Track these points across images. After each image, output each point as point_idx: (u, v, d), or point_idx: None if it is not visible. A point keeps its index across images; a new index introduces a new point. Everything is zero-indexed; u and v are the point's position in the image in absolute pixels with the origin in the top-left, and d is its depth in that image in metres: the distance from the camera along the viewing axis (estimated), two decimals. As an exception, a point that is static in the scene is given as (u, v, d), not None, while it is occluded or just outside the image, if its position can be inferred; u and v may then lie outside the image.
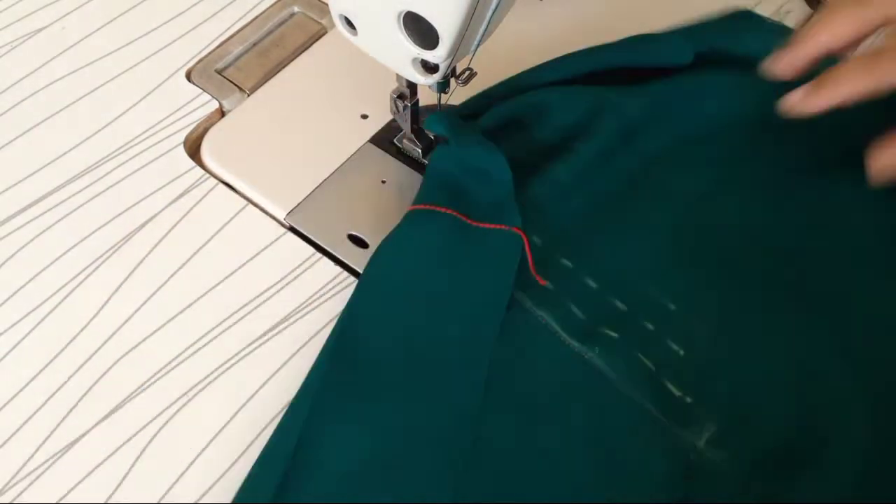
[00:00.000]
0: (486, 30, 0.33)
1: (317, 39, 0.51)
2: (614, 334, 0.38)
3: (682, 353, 0.38)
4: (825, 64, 0.39)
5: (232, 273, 0.41)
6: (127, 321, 0.40)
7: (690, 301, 0.39)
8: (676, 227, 0.42)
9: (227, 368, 0.38)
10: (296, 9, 0.53)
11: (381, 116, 0.46)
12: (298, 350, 0.39)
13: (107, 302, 0.40)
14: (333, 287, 0.41)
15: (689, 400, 0.37)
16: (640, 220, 0.42)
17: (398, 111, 0.42)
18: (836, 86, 0.38)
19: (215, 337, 0.39)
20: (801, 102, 0.39)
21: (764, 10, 0.50)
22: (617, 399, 0.37)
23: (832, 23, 0.38)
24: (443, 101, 0.40)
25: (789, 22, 0.51)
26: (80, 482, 0.36)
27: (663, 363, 0.38)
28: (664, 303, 0.39)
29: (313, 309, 0.40)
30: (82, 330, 0.40)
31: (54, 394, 0.38)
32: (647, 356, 0.38)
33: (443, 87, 0.37)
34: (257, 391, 0.38)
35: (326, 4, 0.52)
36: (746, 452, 0.35)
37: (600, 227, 0.41)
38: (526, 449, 0.36)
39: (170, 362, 0.39)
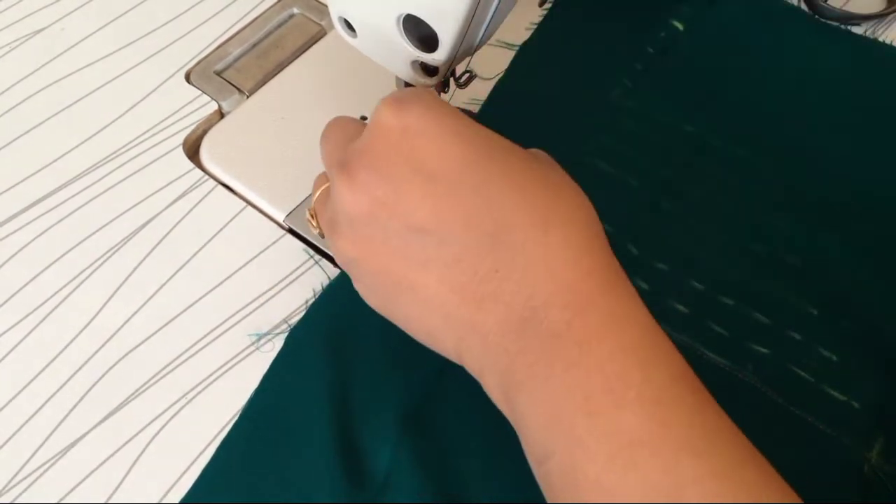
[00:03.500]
0: (485, 32, 0.33)
1: (316, 41, 0.51)
2: (764, 350, 0.37)
3: (835, 358, 0.37)
4: None
5: (231, 275, 0.41)
6: (126, 322, 0.40)
7: (829, 301, 0.38)
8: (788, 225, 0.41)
9: (227, 370, 0.39)
10: (295, 10, 0.53)
11: (381, 118, 0.46)
12: (297, 351, 0.39)
13: (106, 303, 0.40)
14: (332, 289, 0.41)
15: (856, 405, 0.36)
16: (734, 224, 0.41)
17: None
18: None
19: (215, 339, 0.39)
20: None
21: None
22: (776, 412, 0.36)
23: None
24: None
25: None
26: (80, 483, 0.36)
27: (820, 371, 0.37)
28: (806, 308, 0.38)
29: (312, 310, 0.40)
30: (82, 331, 0.40)
31: (54, 394, 0.38)
32: (802, 367, 0.37)
33: (442, 87, 0.37)
34: (256, 393, 0.38)
35: (326, 6, 0.52)
36: None
37: (701, 239, 0.41)
38: None
39: (169, 364, 0.39)
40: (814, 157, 0.43)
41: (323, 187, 0.34)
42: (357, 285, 0.32)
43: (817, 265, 0.39)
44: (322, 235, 0.34)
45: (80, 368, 0.39)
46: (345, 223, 0.30)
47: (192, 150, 0.47)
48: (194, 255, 0.42)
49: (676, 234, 0.41)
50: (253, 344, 0.39)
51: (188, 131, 0.47)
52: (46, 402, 0.38)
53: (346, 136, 0.32)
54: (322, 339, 0.38)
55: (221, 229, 0.43)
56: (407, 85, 0.39)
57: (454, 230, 0.28)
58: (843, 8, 0.51)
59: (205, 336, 0.40)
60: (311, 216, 0.35)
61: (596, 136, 0.45)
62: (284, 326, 0.40)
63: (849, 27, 0.50)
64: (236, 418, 0.37)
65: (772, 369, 0.37)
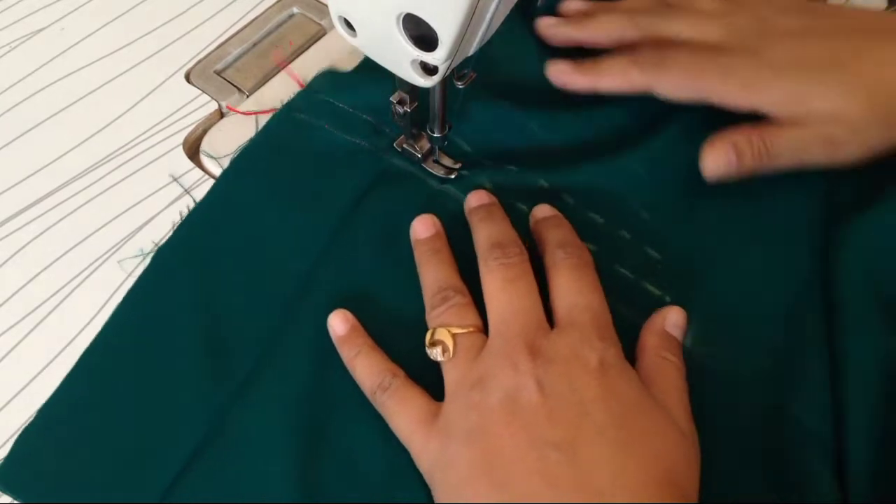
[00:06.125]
0: (485, 31, 0.33)
1: (316, 40, 0.51)
2: (592, 247, 0.39)
3: (659, 256, 0.40)
4: None
5: (231, 274, 0.41)
6: (126, 322, 0.40)
7: (664, 209, 0.41)
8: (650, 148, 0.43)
9: (227, 369, 0.39)
10: (295, 10, 0.53)
11: (381, 118, 0.46)
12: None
13: (106, 303, 0.40)
14: (333, 288, 0.41)
15: (668, 299, 0.38)
16: (605, 137, 0.44)
17: (397, 116, 0.42)
18: (592, 74, 0.43)
19: (214, 338, 0.39)
20: (562, 76, 0.44)
21: None
22: None
23: (598, 27, 0.45)
24: (440, 105, 0.40)
25: None
26: (79, 483, 0.36)
27: (641, 269, 0.39)
28: (638, 212, 0.41)
29: (312, 310, 0.40)
30: (82, 331, 0.40)
31: (54, 395, 0.38)
32: (625, 266, 0.40)
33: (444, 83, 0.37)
34: (256, 392, 0.38)
35: (326, 6, 0.52)
36: (732, 350, 0.36)
37: (575, 147, 0.44)
38: None
39: (169, 363, 0.39)
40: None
41: (470, 330, 0.35)
42: (450, 444, 0.33)
43: (659, 172, 0.42)
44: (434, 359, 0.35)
45: (80, 368, 0.39)
46: (499, 397, 0.32)
47: (193, 149, 0.47)
48: (194, 254, 0.42)
49: None
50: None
51: (188, 131, 0.47)
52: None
53: (535, 311, 0.35)
54: (187, 254, 0.40)
55: (221, 229, 0.43)
56: (408, 86, 0.39)
57: (585, 466, 0.30)
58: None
59: (205, 336, 0.39)
60: (438, 342, 0.35)
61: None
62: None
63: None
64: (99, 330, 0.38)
65: (597, 266, 0.39)
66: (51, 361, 0.39)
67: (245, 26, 0.52)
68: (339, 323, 0.38)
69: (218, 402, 0.36)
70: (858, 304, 0.37)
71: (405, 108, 0.40)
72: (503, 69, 0.46)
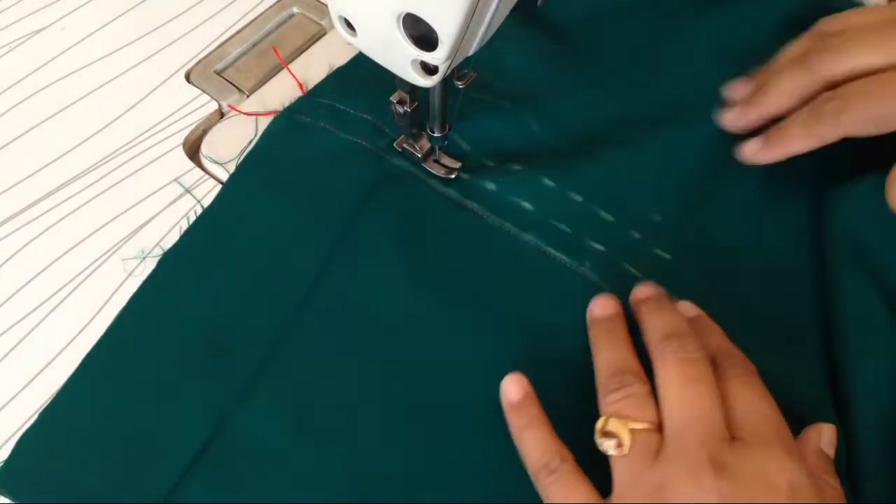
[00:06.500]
0: (485, 31, 0.33)
1: (316, 40, 0.51)
2: (601, 247, 0.40)
3: (668, 257, 0.40)
4: None
5: (231, 274, 0.41)
6: (127, 322, 0.40)
7: (674, 209, 0.42)
8: (655, 144, 0.44)
9: (227, 369, 0.39)
10: (295, 10, 0.53)
11: (381, 117, 0.46)
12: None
13: (106, 303, 0.40)
14: (333, 288, 0.41)
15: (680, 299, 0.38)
16: (616, 134, 0.44)
17: (397, 116, 0.42)
18: (783, 144, 0.42)
19: (215, 338, 0.39)
20: (754, 155, 0.43)
21: None
22: None
23: (777, 94, 0.42)
24: (440, 105, 0.40)
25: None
26: (79, 483, 0.36)
27: (651, 269, 0.39)
28: (649, 213, 0.42)
29: (313, 310, 0.40)
30: (82, 331, 0.40)
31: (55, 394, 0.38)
32: (634, 265, 0.40)
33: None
34: (257, 392, 0.38)
35: (326, 5, 0.52)
36: (741, 349, 0.36)
37: (579, 146, 0.44)
38: (539, 364, 0.37)
39: (169, 363, 0.39)
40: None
41: (649, 427, 0.32)
42: None
43: (671, 179, 0.43)
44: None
45: (80, 368, 0.39)
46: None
47: (193, 149, 0.47)
48: (194, 254, 0.42)
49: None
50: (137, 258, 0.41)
51: (188, 131, 0.47)
52: (47, 401, 0.38)
53: (716, 419, 0.32)
54: (193, 258, 0.40)
55: (222, 229, 0.43)
56: (408, 86, 0.39)
57: None
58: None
59: (205, 335, 0.39)
60: (613, 434, 0.32)
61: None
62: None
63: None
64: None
65: (606, 265, 0.40)
66: (51, 361, 0.39)
67: (245, 26, 0.52)
68: (513, 388, 0.35)
69: (222, 403, 0.36)
70: (864, 305, 0.37)
71: (405, 108, 0.40)
72: (503, 69, 0.46)
